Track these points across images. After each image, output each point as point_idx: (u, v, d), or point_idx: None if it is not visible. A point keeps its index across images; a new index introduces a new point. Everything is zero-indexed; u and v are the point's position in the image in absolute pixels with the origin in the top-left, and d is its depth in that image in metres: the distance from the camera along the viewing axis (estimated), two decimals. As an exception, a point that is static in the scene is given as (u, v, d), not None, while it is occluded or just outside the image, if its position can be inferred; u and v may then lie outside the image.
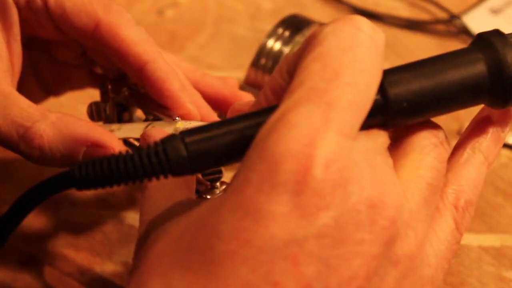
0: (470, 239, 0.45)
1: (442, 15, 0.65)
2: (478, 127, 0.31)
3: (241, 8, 0.66)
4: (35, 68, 0.45)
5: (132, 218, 0.46)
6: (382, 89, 0.27)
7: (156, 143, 0.27)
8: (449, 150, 0.29)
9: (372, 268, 0.25)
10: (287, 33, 0.47)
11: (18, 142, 0.36)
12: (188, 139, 0.27)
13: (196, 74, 0.44)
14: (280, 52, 0.46)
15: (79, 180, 0.27)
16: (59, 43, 0.43)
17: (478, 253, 0.44)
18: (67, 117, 0.37)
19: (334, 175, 0.24)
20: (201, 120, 0.40)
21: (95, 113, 0.43)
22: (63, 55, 0.45)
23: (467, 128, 0.31)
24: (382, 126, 0.28)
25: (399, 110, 0.27)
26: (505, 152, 0.52)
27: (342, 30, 0.26)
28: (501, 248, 0.45)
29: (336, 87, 0.25)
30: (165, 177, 0.27)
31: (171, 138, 0.27)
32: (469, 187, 0.30)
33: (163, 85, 0.39)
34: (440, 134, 0.29)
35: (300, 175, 0.24)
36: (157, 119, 0.40)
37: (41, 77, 0.46)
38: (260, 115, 0.27)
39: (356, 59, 0.26)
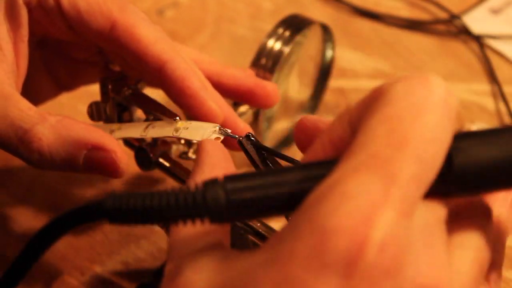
0: (470, 239, 0.45)
1: (442, 15, 0.65)
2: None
3: (241, 8, 0.66)
4: (49, 66, 0.44)
5: (132, 218, 0.46)
6: (447, 155, 0.24)
7: (196, 186, 0.25)
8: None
9: None
10: (287, 33, 0.47)
11: (17, 144, 0.35)
12: (230, 186, 0.25)
13: (217, 66, 0.43)
14: (280, 52, 0.46)
15: (111, 213, 0.25)
16: (74, 44, 0.43)
17: (478, 253, 0.44)
18: (66, 120, 0.36)
19: (389, 260, 0.22)
20: (223, 120, 0.39)
21: (96, 113, 0.43)
22: (78, 54, 0.44)
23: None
24: (443, 195, 0.25)
25: (463, 181, 0.25)
26: (505, 152, 0.51)
27: (414, 90, 0.24)
28: (501, 248, 0.45)
29: (401, 156, 0.23)
30: (202, 222, 0.25)
31: (212, 182, 0.25)
32: None
33: (184, 84, 0.38)
34: (490, 211, 0.27)
35: (352, 256, 0.22)
36: (157, 119, 0.40)
37: (54, 74, 0.45)
38: (311, 170, 0.25)
39: (427, 126, 0.23)
